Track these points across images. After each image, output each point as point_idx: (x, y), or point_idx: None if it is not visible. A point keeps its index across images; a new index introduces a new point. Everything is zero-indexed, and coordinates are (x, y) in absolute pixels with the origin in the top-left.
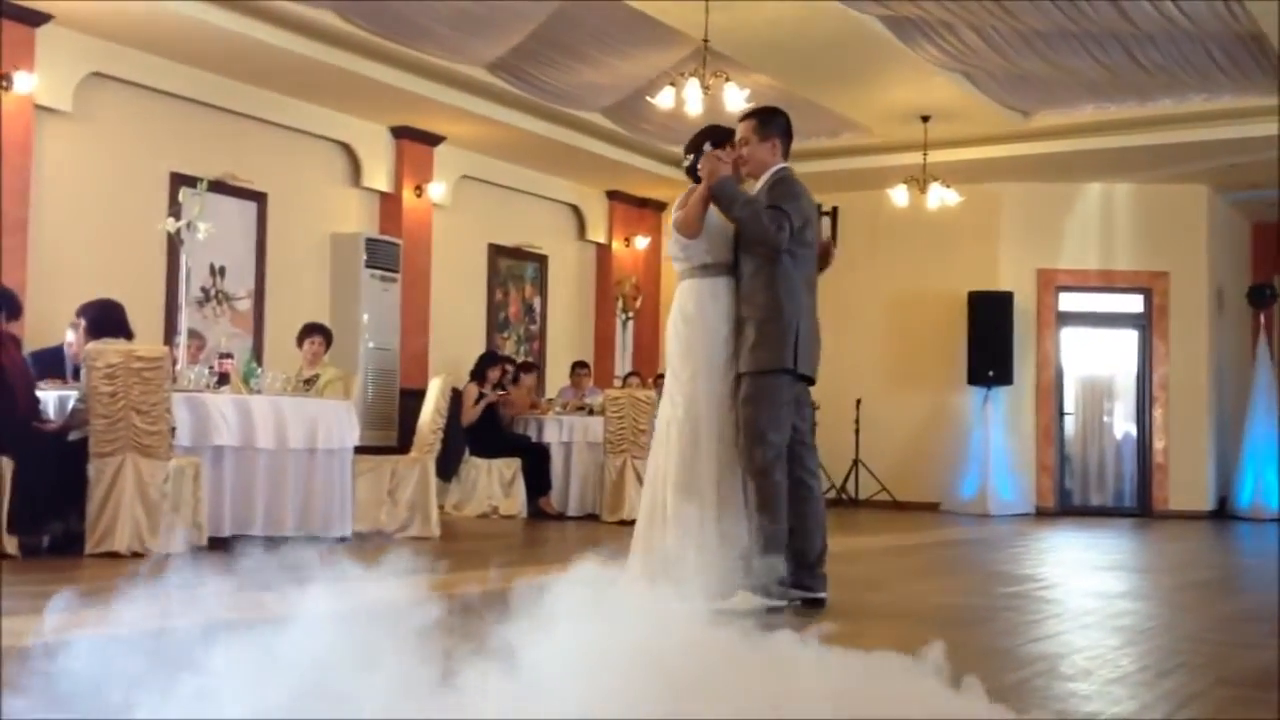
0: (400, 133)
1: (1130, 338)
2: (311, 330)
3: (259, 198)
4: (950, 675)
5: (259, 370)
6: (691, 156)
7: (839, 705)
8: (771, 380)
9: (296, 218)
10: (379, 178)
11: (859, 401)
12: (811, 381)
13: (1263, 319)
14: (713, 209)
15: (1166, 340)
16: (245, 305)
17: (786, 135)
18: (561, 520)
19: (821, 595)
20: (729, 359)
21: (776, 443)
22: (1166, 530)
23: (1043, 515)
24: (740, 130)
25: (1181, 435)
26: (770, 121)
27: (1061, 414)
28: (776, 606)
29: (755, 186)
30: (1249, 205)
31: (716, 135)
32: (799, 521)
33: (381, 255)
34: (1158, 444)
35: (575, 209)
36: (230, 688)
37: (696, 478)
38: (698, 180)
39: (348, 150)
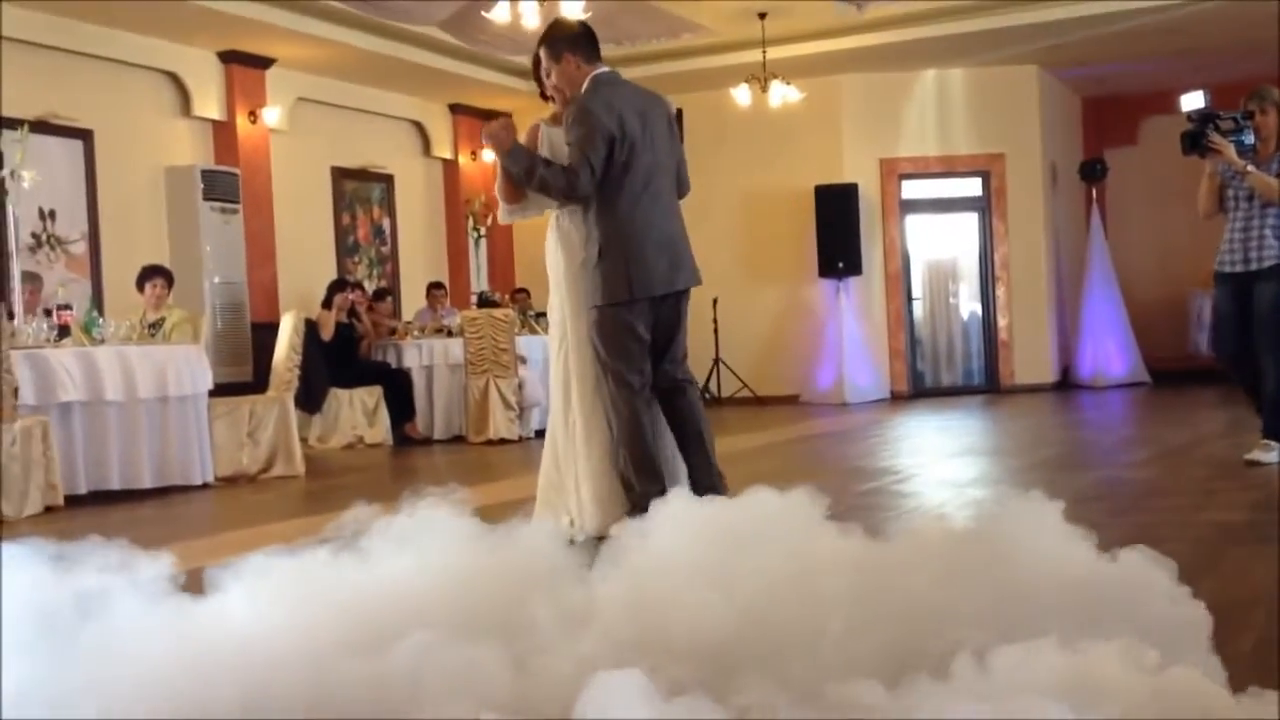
0: (228, 57)
1: (971, 220)
2: (151, 273)
3: (85, 135)
4: None
5: (100, 319)
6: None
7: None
8: (610, 312)
9: (126, 153)
10: (210, 106)
11: (715, 301)
12: (678, 295)
13: (1094, 193)
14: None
15: (1005, 220)
16: (80, 249)
17: (577, 44)
18: (428, 445)
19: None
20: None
21: (624, 373)
22: (1014, 406)
23: (898, 399)
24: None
25: (1023, 311)
26: (552, 43)
27: (910, 299)
28: None
29: None
30: (1078, 81)
31: (549, 42)
32: (679, 435)
33: (219, 186)
34: (1001, 321)
35: (418, 125)
36: None
37: (569, 409)
38: (545, 95)
39: (174, 79)
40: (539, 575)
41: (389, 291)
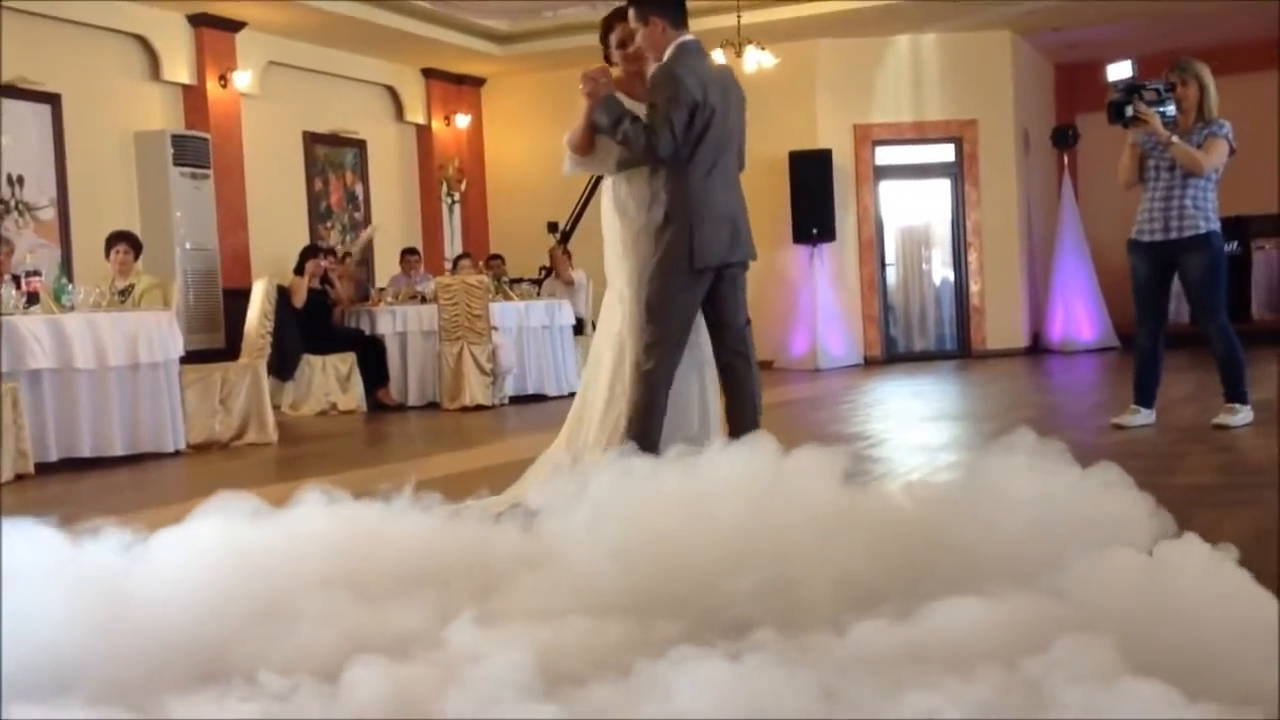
0: (198, 20)
1: (944, 186)
2: (116, 239)
3: (52, 99)
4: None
5: (69, 286)
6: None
7: None
8: (668, 278)
9: (95, 118)
10: (179, 70)
11: None
12: (737, 266)
13: (1066, 159)
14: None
15: (978, 186)
16: (49, 215)
17: (667, 6)
18: (402, 411)
19: None
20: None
21: (660, 339)
22: (985, 370)
23: (871, 365)
24: (630, 26)
25: (995, 277)
26: (640, 4)
27: (884, 265)
28: None
29: None
30: (1051, 47)
31: (638, 3)
32: (728, 404)
33: (190, 151)
34: (974, 287)
35: (391, 90)
36: None
37: (620, 370)
38: (609, 59)
39: (143, 42)
40: (466, 546)
41: (347, 253)
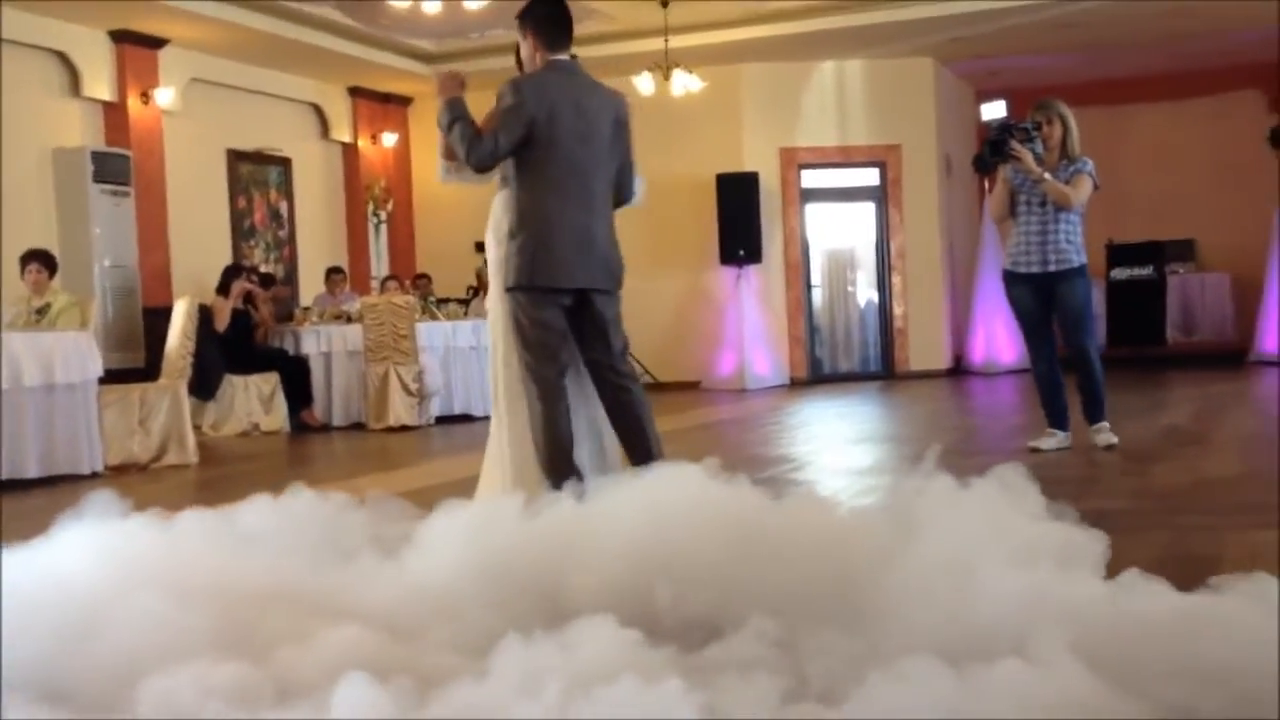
0: (120, 37)
1: (868, 210)
2: (29, 258)
3: None
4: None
5: None
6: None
7: None
8: (521, 297)
9: (12, 135)
10: (100, 86)
11: None
12: (602, 293)
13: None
14: None
15: (901, 210)
16: None
17: (540, 23)
18: (326, 432)
19: None
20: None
21: (533, 364)
22: (908, 392)
23: (796, 385)
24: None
25: (918, 299)
26: (521, 18)
27: (809, 287)
28: None
29: None
30: (974, 74)
31: (520, 15)
32: (621, 432)
33: (110, 168)
34: (897, 310)
35: (317, 108)
36: None
37: (496, 393)
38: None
39: (63, 58)
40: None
41: (273, 279)
